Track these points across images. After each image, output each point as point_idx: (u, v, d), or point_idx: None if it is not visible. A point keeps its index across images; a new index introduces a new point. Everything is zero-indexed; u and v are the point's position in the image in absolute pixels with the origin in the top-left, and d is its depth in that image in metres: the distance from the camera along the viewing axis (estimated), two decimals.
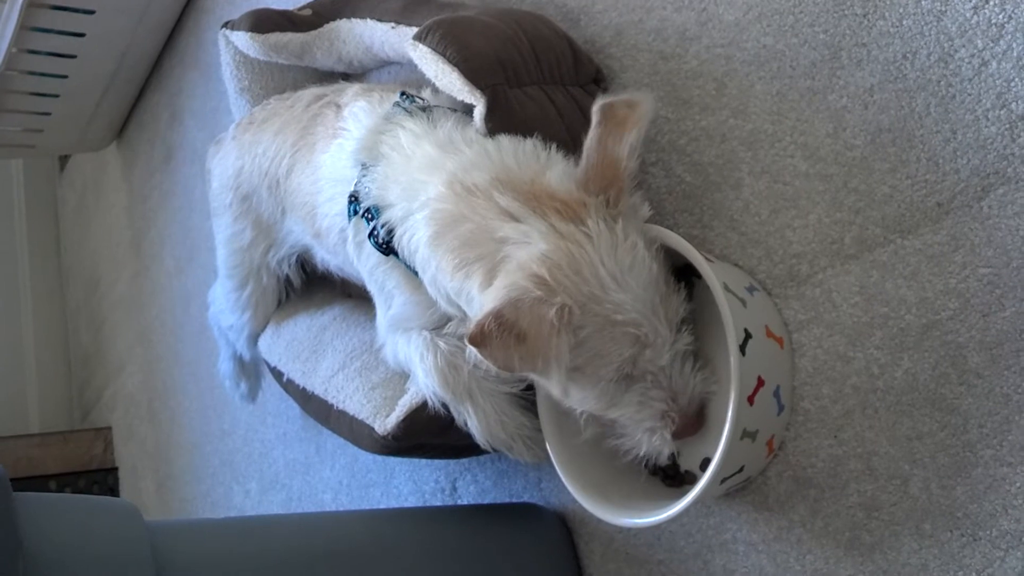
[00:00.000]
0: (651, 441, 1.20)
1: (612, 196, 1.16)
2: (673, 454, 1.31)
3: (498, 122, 1.29)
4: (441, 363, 1.33)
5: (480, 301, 1.17)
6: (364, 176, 1.35)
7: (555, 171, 1.20)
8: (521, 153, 1.24)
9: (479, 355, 1.11)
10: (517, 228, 1.15)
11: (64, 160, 4.27)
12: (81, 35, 2.91)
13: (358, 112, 1.45)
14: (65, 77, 3.08)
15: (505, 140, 1.27)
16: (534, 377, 1.23)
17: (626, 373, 1.16)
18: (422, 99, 1.41)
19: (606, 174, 1.16)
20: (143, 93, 3.32)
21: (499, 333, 1.08)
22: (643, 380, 1.17)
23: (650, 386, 1.17)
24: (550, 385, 1.19)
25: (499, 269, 1.15)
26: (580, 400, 1.21)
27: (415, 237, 1.27)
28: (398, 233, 1.30)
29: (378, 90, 1.50)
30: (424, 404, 1.37)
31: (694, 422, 1.20)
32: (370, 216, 1.33)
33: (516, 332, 1.08)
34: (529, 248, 1.13)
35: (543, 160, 1.23)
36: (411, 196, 1.28)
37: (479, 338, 1.09)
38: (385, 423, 1.43)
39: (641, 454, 1.22)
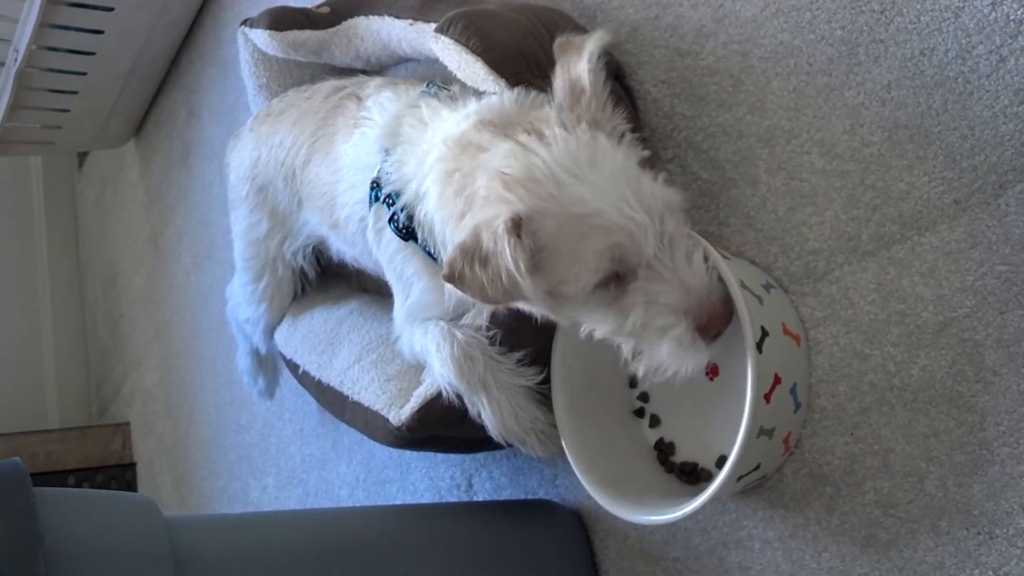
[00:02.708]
0: (671, 341, 1.11)
1: (582, 111, 1.14)
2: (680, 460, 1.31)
3: None
4: (457, 353, 1.33)
5: None
6: (385, 161, 1.36)
7: (546, 106, 1.19)
8: (521, 98, 1.25)
9: (458, 291, 1.11)
10: (484, 158, 1.15)
11: (83, 157, 4.29)
12: (100, 32, 2.93)
13: (383, 101, 1.45)
14: (84, 74, 3.09)
15: (513, 91, 1.27)
16: (528, 308, 1.17)
17: (615, 272, 1.10)
18: (448, 90, 1.41)
19: (574, 92, 1.15)
20: (161, 90, 3.34)
21: (464, 261, 1.08)
22: (638, 277, 1.10)
23: (649, 281, 1.10)
24: (548, 311, 1.14)
25: (474, 200, 1.15)
26: (593, 324, 1.16)
27: (428, 209, 1.27)
28: (418, 212, 1.30)
29: (402, 83, 1.51)
30: (439, 395, 1.37)
31: (722, 312, 1.11)
32: (391, 201, 1.34)
33: (478, 256, 1.08)
34: (489, 170, 1.13)
35: (539, 101, 1.23)
36: (422, 164, 1.28)
37: (450, 273, 1.09)
38: (400, 414, 1.43)
39: (665, 360, 1.12)
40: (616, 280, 1.11)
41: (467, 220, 1.13)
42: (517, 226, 1.07)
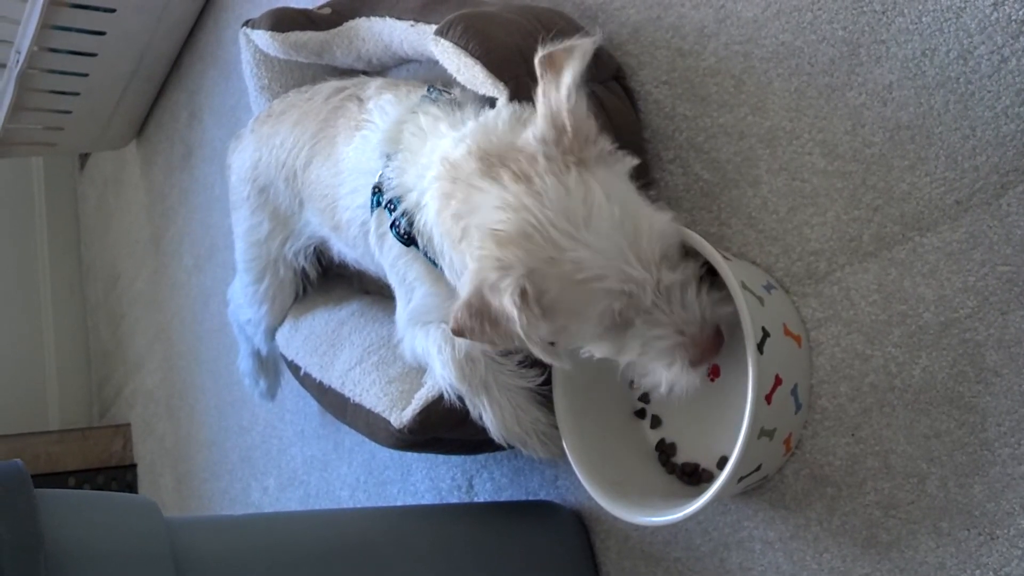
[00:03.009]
0: (671, 375, 1.16)
1: (566, 144, 1.13)
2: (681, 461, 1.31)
3: None
4: (459, 355, 1.33)
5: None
6: (387, 167, 1.36)
7: (533, 128, 1.17)
8: (508, 116, 1.24)
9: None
10: (479, 199, 1.15)
11: (84, 158, 4.30)
12: (102, 33, 2.93)
13: (385, 104, 1.45)
14: (86, 75, 3.10)
15: (509, 107, 1.26)
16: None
17: (615, 322, 1.13)
18: (450, 93, 1.41)
19: (555, 124, 1.13)
20: (163, 91, 3.34)
21: (472, 322, 1.10)
22: (635, 325, 1.14)
23: (647, 327, 1.14)
24: (549, 359, 1.16)
25: (471, 244, 1.16)
26: (593, 350, 1.21)
27: (428, 220, 1.27)
28: (417, 220, 1.30)
29: (403, 84, 1.51)
30: (440, 397, 1.37)
31: (712, 344, 1.16)
32: (392, 207, 1.34)
33: (487, 317, 1.10)
34: (483, 222, 1.13)
35: (527, 119, 1.22)
36: (422, 179, 1.29)
37: (458, 329, 1.12)
38: (401, 416, 1.43)
39: (667, 387, 1.17)
40: (616, 324, 1.14)
41: (465, 276, 1.14)
42: (524, 296, 1.09)
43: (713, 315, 1.15)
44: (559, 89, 1.13)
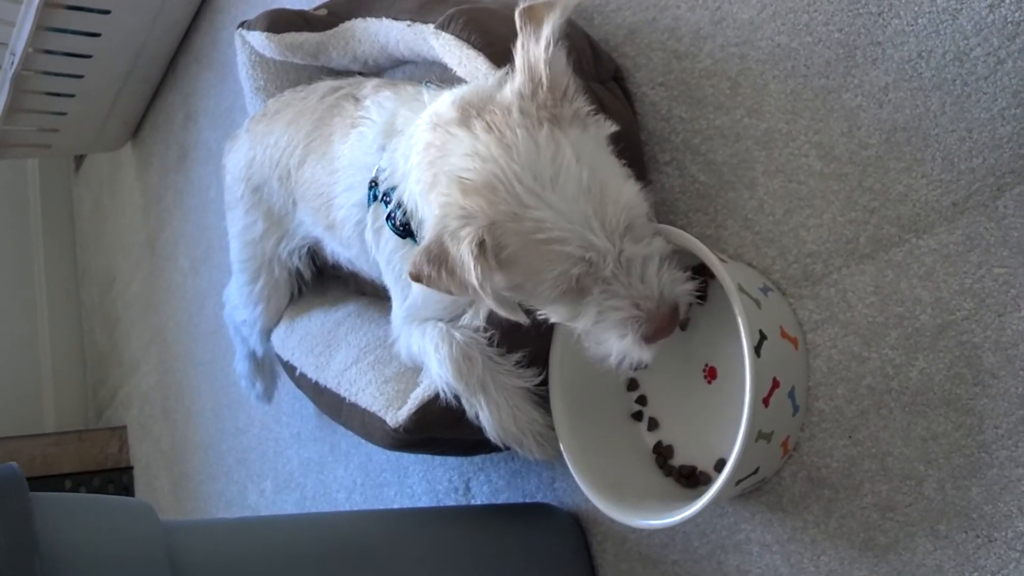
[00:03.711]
0: (622, 347, 1.15)
1: (541, 99, 1.12)
2: (676, 459, 1.31)
3: None
4: (456, 354, 1.33)
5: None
6: (382, 159, 1.35)
7: (511, 82, 1.16)
8: (506, 77, 1.20)
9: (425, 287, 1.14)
10: (450, 143, 1.14)
11: (80, 160, 4.29)
12: (96, 35, 2.93)
13: (382, 100, 1.44)
14: (81, 77, 3.09)
15: (502, 71, 1.24)
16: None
17: (572, 287, 1.12)
18: (447, 86, 1.40)
19: (532, 77, 1.12)
20: (158, 93, 3.33)
21: (430, 267, 1.10)
22: (593, 293, 1.13)
23: (604, 296, 1.13)
24: (504, 312, 1.16)
25: (435, 187, 1.16)
26: (547, 312, 1.19)
27: (410, 185, 1.26)
28: (408, 204, 1.28)
29: (400, 83, 1.51)
30: (436, 396, 1.37)
31: (667, 322, 1.14)
32: (388, 199, 1.33)
33: (444, 264, 1.10)
34: (452, 166, 1.13)
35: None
36: (411, 148, 1.27)
37: (416, 274, 1.11)
38: (397, 416, 1.43)
39: (613, 358, 1.17)
40: (573, 289, 1.13)
41: (428, 222, 1.15)
42: (482, 247, 1.08)
43: (672, 292, 1.14)
44: (538, 41, 1.11)
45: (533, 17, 1.12)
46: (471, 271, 1.08)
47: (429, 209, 1.19)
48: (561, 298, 1.14)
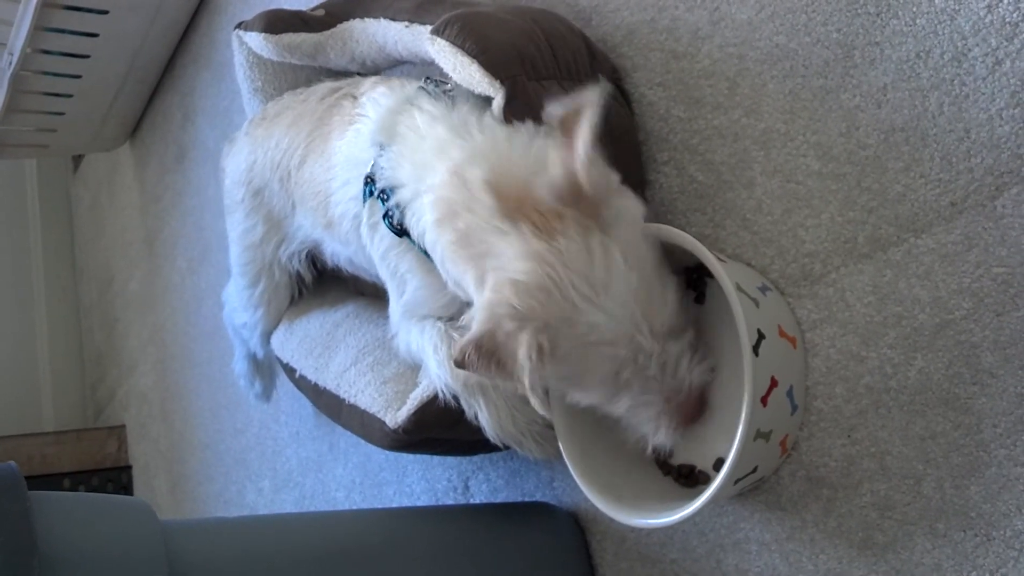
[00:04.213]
0: (655, 437, 1.21)
1: (586, 206, 1.12)
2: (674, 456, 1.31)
3: (517, 113, 1.29)
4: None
5: (476, 299, 1.18)
6: (380, 156, 1.35)
7: (549, 174, 1.15)
8: (529, 148, 1.22)
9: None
10: (499, 241, 1.14)
11: (78, 160, 4.29)
12: (95, 35, 2.92)
13: (377, 97, 1.45)
14: (79, 77, 3.09)
15: (520, 130, 1.25)
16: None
17: (615, 384, 1.17)
18: (446, 82, 1.40)
19: (573, 189, 1.12)
20: (156, 93, 3.33)
21: (478, 361, 1.11)
22: (632, 388, 1.17)
23: (641, 392, 1.18)
24: (541, 409, 1.17)
25: (486, 278, 1.16)
26: (580, 399, 1.23)
27: (422, 220, 1.27)
28: (408, 214, 1.30)
29: (397, 79, 1.51)
30: (435, 397, 1.37)
31: (695, 409, 1.21)
32: (384, 197, 1.33)
33: (494, 360, 1.11)
34: (504, 270, 1.13)
35: (544, 157, 1.19)
36: (419, 178, 1.28)
37: (462, 361, 1.12)
38: (396, 416, 1.43)
39: (647, 449, 1.23)
40: (616, 384, 1.18)
41: (479, 315, 1.14)
42: (541, 352, 1.10)
43: (700, 381, 1.20)
44: (575, 151, 1.12)
45: (564, 127, 1.14)
46: (525, 372, 1.10)
47: (456, 271, 1.23)
48: (602, 392, 1.20)
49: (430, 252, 1.29)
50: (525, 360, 1.09)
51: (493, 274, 1.15)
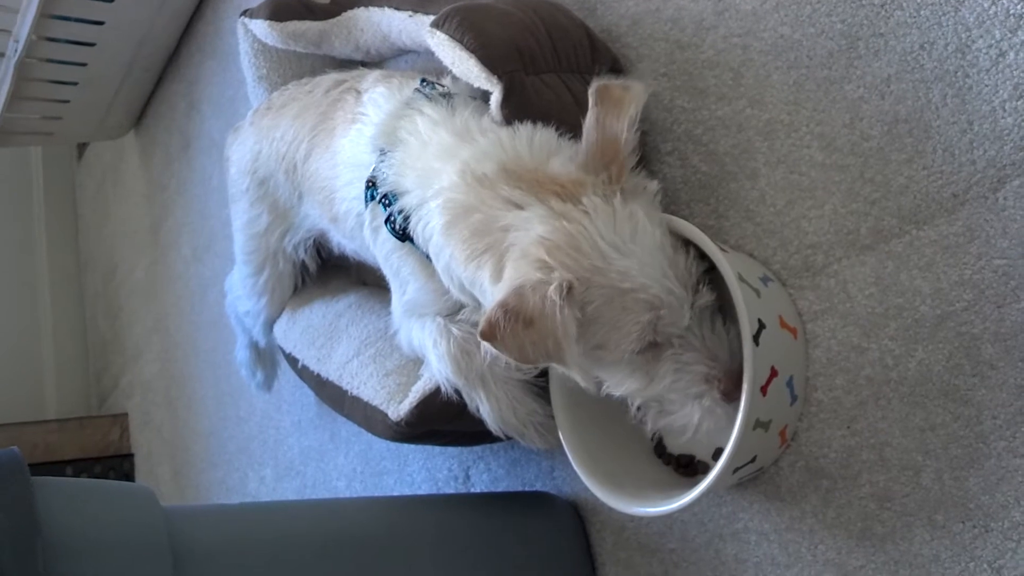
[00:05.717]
0: (702, 407, 1.16)
1: (613, 173, 1.15)
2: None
3: (514, 108, 1.29)
4: (454, 349, 1.33)
5: (492, 293, 1.18)
6: (382, 162, 1.36)
7: (561, 156, 1.20)
8: (532, 141, 1.24)
9: (494, 350, 1.11)
10: (519, 216, 1.15)
11: (82, 148, 4.29)
12: (100, 23, 2.93)
13: (377, 98, 1.45)
14: (84, 65, 3.09)
15: (520, 128, 1.27)
16: (560, 370, 1.19)
17: (650, 342, 1.14)
18: (443, 86, 1.41)
19: (606, 153, 1.15)
20: (161, 81, 3.33)
21: (507, 321, 1.08)
22: (671, 346, 1.15)
23: (681, 350, 1.15)
24: (578, 374, 1.15)
25: (505, 259, 1.16)
26: (617, 383, 1.20)
27: (429, 225, 1.27)
28: (413, 220, 1.30)
29: (398, 76, 1.51)
30: (437, 390, 1.38)
31: (739, 379, 1.15)
32: (387, 202, 1.34)
33: (523, 317, 1.08)
34: (529, 233, 1.13)
35: (552, 147, 1.23)
36: (426, 184, 1.28)
37: (489, 330, 1.09)
38: (399, 409, 1.43)
39: (696, 423, 1.18)
40: (650, 347, 1.15)
41: (506, 277, 1.14)
42: (570, 293, 1.08)
43: (738, 348, 1.15)
44: (620, 122, 1.15)
45: (609, 97, 1.16)
46: (556, 316, 1.07)
47: (467, 274, 1.22)
48: (638, 359, 1.16)
49: (435, 258, 1.29)
50: (552, 303, 1.07)
51: (518, 240, 1.14)
